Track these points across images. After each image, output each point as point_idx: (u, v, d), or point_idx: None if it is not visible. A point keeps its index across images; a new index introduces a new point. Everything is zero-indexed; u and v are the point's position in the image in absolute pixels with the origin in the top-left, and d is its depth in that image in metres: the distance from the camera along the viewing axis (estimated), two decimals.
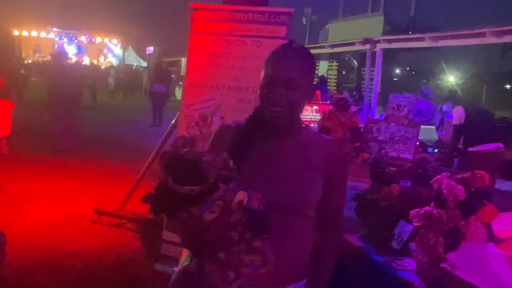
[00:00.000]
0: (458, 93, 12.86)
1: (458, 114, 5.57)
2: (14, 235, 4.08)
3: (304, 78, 1.35)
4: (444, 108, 10.94)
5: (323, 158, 1.41)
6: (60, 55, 8.68)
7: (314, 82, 1.56)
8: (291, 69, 1.32)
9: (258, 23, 3.43)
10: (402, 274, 2.00)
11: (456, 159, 4.93)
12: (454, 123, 5.66)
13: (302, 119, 1.47)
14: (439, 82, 23.90)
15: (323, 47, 15.11)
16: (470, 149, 4.21)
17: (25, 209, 4.79)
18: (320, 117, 3.24)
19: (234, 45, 3.48)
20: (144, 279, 3.47)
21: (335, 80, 17.02)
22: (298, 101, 1.35)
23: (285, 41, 3.53)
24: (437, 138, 6.91)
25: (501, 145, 4.04)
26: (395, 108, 3.14)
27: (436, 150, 5.48)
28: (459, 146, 6.24)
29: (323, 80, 14.94)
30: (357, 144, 2.99)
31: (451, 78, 22.71)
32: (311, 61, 1.41)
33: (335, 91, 11.76)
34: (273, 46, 3.68)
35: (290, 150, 1.40)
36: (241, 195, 1.16)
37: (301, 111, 1.41)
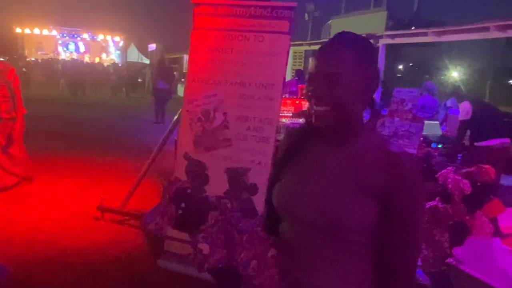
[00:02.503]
0: (462, 89, 12.80)
1: (465, 109, 5.53)
2: (18, 232, 4.10)
3: (352, 72, 1.14)
4: (448, 103, 10.85)
5: (377, 176, 1.13)
6: None
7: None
8: (333, 62, 1.15)
9: (261, 18, 3.40)
10: None
11: (459, 154, 4.90)
12: (461, 118, 5.62)
13: (363, 124, 1.22)
14: (442, 77, 23.78)
15: None
16: (476, 143, 4.18)
17: (28, 206, 4.80)
18: None
19: (237, 40, 3.45)
20: (147, 275, 3.47)
21: None
22: (346, 99, 1.14)
23: (288, 36, 3.49)
24: (441, 133, 6.88)
25: (508, 140, 4.01)
26: (399, 102, 3.12)
27: (440, 146, 5.46)
28: (463, 141, 6.22)
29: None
30: None
31: (454, 74, 22.61)
32: (362, 52, 1.18)
33: None
34: (275, 41, 3.64)
35: (337, 161, 1.20)
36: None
37: (356, 112, 1.18)
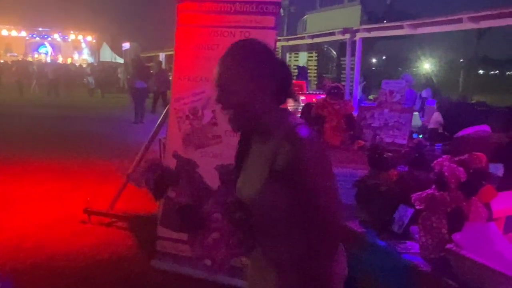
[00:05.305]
0: (433, 80, 13.14)
1: (435, 119, 5.77)
2: (3, 239, 3.99)
3: (233, 77, 1.32)
4: (424, 94, 11.12)
5: (280, 159, 1.29)
6: None
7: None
8: (218, 71, 1.35)
9: (246, 14, 3.39)
10: (406, 257, 2.03)
11: (438, 144, 4.99)
12: (431, 127, 5.83)
13: (277, 119, 1.36)
14: (414, 69, 24.28)
15: (303, 38, 15.10)
16: (456, 135, 4.27)
17: (11, 212, 4.67)
18: (314, 106, 3.25)
19: (222, 36, 3.43)
20: (140, 276, 3.43)
21: (315, 71, 17.07)
22: (241, 101, 1.32)
23: (275, 31, 3.49)
24: (421, 124, 7.04)
25: (486, 127, 4.11)
26: (388, 94, 3.17)
27: (421, 136, 5.58)
28: (440, 131, 6.42)
29: (303, 71, 15.00)
30: (351, 132, 3.00)
31: (426, 65, 23.13)
32: (242, 57, 1.34)
33: (329, 79, 11.78)
34: (262, 37, 3.63)
35: (259, 154, 1.38)
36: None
37: (261, 109, 1.34)
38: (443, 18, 8.74)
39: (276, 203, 1.32)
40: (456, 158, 2.05)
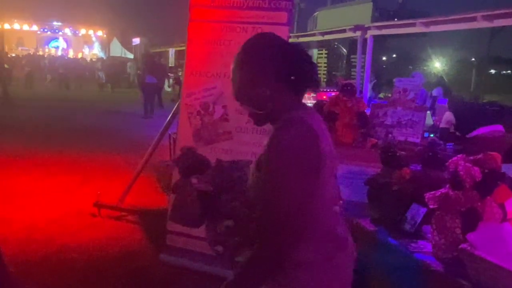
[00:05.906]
0: (444, 79, 13.03)
1: (446, 119, 5.74)
2: (13, 231, 4.03)
3: (245, 72, 1.35)
4: (434, 93, 11.02)
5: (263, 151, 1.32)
6: None
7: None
8: (232, 67, 1.38)
9: (259, 9, 3.38)
10: (418, 257, 2.01)
11: (449, 144, 4.95)
12: (442, 126, 5.80)
13: (287, 111, 1.33)
14: (425, 68, 24.06)
15: (313, 34, 15.02)
16: (470, 134, 4.22)
17: (21, 204, 4.70)
18: (326, 102, 3.23)
19: (235, 32, 3.42)
20: (149, 270, 3.45)
21: (325, 68, 16.99)
22: (249, 96, 1.35)
23: (287, 27, 3.47)
24: (432, 123, 6.97)
25: (500, 127, 4.05)
26: (401, 92, 3.14)
27: (432, 135, 5.53)
28: (452, 131, 6.36)
29: None
30: (363, 130, 2.98)
31: (437, 64, 22.91)
32: (244, 54, 1.36)
33: (341, 77, 11.73)
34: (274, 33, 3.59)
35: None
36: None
37: (274, 104, 1.33)
38: (457, 16, 8.62)
39: (255, 189, 1.33)
40: (471, 158, 2.02)
